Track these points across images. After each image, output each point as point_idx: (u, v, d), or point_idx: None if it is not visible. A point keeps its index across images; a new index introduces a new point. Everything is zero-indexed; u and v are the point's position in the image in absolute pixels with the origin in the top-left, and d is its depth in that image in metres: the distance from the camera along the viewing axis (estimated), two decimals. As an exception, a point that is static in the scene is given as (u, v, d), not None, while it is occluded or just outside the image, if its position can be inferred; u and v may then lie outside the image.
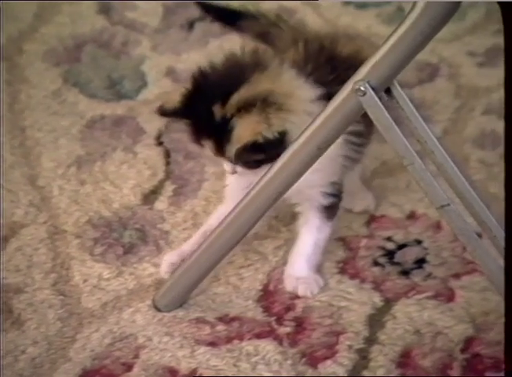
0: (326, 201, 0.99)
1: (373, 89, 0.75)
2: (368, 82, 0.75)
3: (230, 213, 0.91)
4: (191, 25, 1.45)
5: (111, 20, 1.45)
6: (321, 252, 1.03)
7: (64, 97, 1.30)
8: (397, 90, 0.76)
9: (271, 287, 1.02)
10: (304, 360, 0.93)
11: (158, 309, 0.99)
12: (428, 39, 0.73)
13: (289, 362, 0.93)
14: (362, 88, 0.76)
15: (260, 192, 0.89)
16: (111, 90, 1.31)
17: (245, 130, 0.87)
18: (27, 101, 1.29)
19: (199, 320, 0.98)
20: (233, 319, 0.98)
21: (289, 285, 1.01)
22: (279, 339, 0.96)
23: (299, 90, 0.91)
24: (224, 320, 0.98)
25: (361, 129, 0.94)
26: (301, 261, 1.02)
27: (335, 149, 0.92)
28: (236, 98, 0.88)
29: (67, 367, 0.93)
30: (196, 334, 0.96)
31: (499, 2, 0.66)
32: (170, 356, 0.94)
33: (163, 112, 0.92)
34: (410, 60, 0.74)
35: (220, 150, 0.92)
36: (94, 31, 1.42)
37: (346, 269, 1.04)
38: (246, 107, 0.88)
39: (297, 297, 1.01)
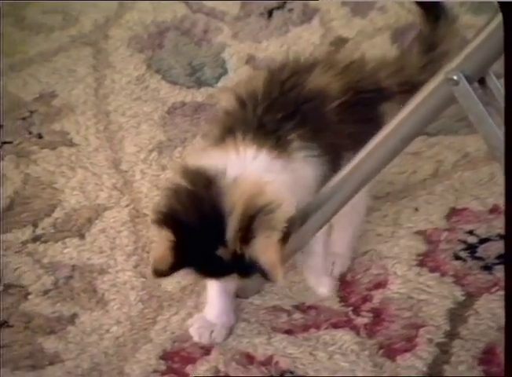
0: None
1: (466, 78, 0.73)
2: (462, 72, 0.73)
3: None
4: (270, 13, 1.44)
5: (190, 7, 1.46)
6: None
7: (147, 83, 1.32)
8: (492, 80, 0.74)
9: (348, 278, 1.02)
10: (382, 351, 0.93)
11: (236, 296, 0.99)
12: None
13: (366, 353, 0.93)
14: (455, 77, 0.74)
15: (338, 185, 0.88)
16: (191, 77, 1.32)
17: (269, 252, 0.80)
18: (112, 86, 1.31)
19: (276, 308, 0.99)
20: (310, 307, 0.98)
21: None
22: (356, 330, 0.96)
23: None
24: (301, 308, 0.98)
25: None
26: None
27: None
28: (232, 233, 0.81)
29: (149, 347, 0.96)
30: (273, 322, 0.97)
31: (499, 2, 0.65)
32: (246, 342, 0.95)
33: (161, 273, 0.83)
34: (508, 50, 0.71)
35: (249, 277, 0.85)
36: (176, 19, 1.43)
37: (426, 261, 1.03)
38: (247, 235, 0.80)
39: (374, 288, 1.00)
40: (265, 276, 0.81)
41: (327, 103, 0.90)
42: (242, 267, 0.82)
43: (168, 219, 0.83)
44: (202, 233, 0.82)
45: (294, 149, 0.86)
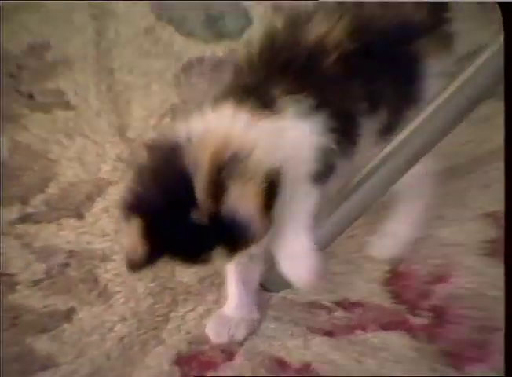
0: None
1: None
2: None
3: (355, 178, 0.85)
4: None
5: None
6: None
7: (158, 36, 1.27)
8: None
9: (401, 268, 0.94)
10: (445, 359, 0.84)
11: (264, 289, 0.93)
12: None
13: (425, 361, 0.84)
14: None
15: (393, 154, 0.82)
16: (210, 29, 1.28)
17: (248, 199, 0.75)
18: (116, 39, 1.27)
19: (314, 305, 0.93)
20: (355, 304, 0.92)
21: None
22: (412, 332, 0.88)
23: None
24: (344, 305, 0.92)
25: None
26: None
27: None
28: (202, 191, 0.76)
29: (160, 350, 0.89)
30: (310, 321, 0.91)
31: (498, 2, 0.66)
32: (279, 346, 0.89)
33: (137, 265, 0.79)
34: None
35: (236, 247, 0.79)
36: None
37: (498, 250, 0.94)
38: (219, 188, 0.76)
39: (435, 282, 0.91)
40: (246, 232, 0.75)
41: (325, 56, 0.82)
42: (222, 231, 0.76)
43: (132, 205, 0.78)
44: (170, 203, 0.77)
45: (279, 106, 0.82)
